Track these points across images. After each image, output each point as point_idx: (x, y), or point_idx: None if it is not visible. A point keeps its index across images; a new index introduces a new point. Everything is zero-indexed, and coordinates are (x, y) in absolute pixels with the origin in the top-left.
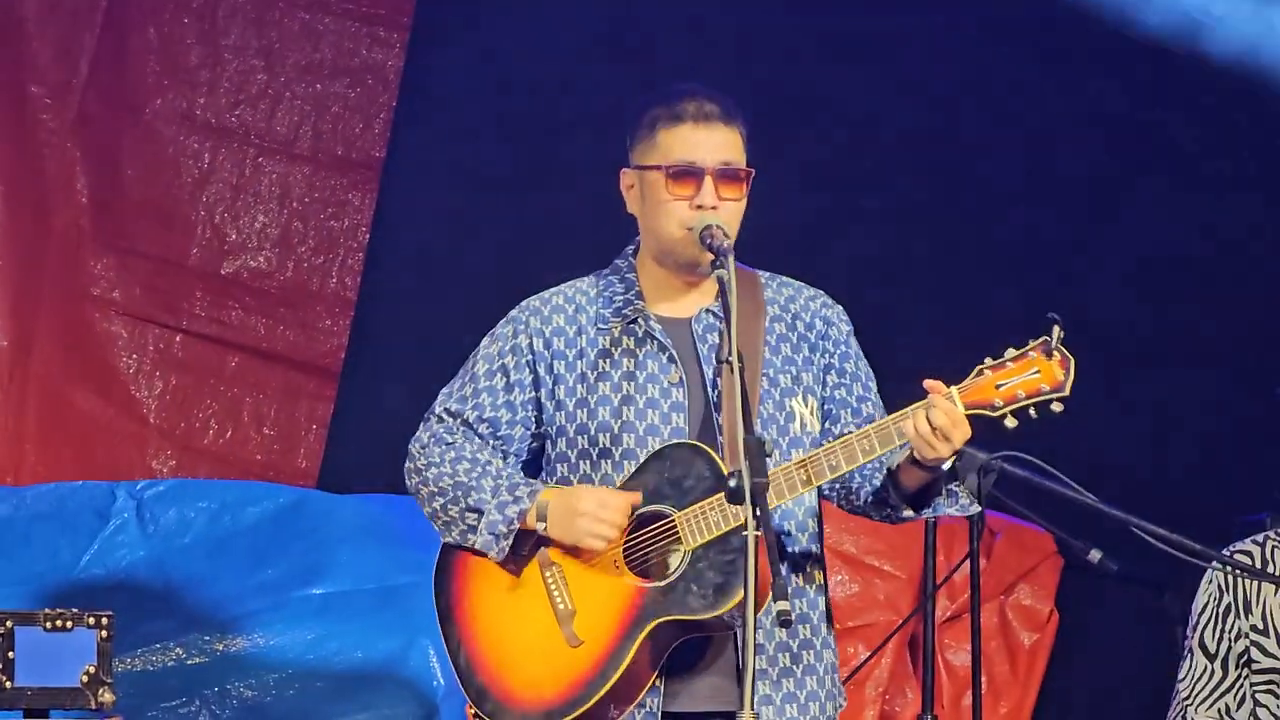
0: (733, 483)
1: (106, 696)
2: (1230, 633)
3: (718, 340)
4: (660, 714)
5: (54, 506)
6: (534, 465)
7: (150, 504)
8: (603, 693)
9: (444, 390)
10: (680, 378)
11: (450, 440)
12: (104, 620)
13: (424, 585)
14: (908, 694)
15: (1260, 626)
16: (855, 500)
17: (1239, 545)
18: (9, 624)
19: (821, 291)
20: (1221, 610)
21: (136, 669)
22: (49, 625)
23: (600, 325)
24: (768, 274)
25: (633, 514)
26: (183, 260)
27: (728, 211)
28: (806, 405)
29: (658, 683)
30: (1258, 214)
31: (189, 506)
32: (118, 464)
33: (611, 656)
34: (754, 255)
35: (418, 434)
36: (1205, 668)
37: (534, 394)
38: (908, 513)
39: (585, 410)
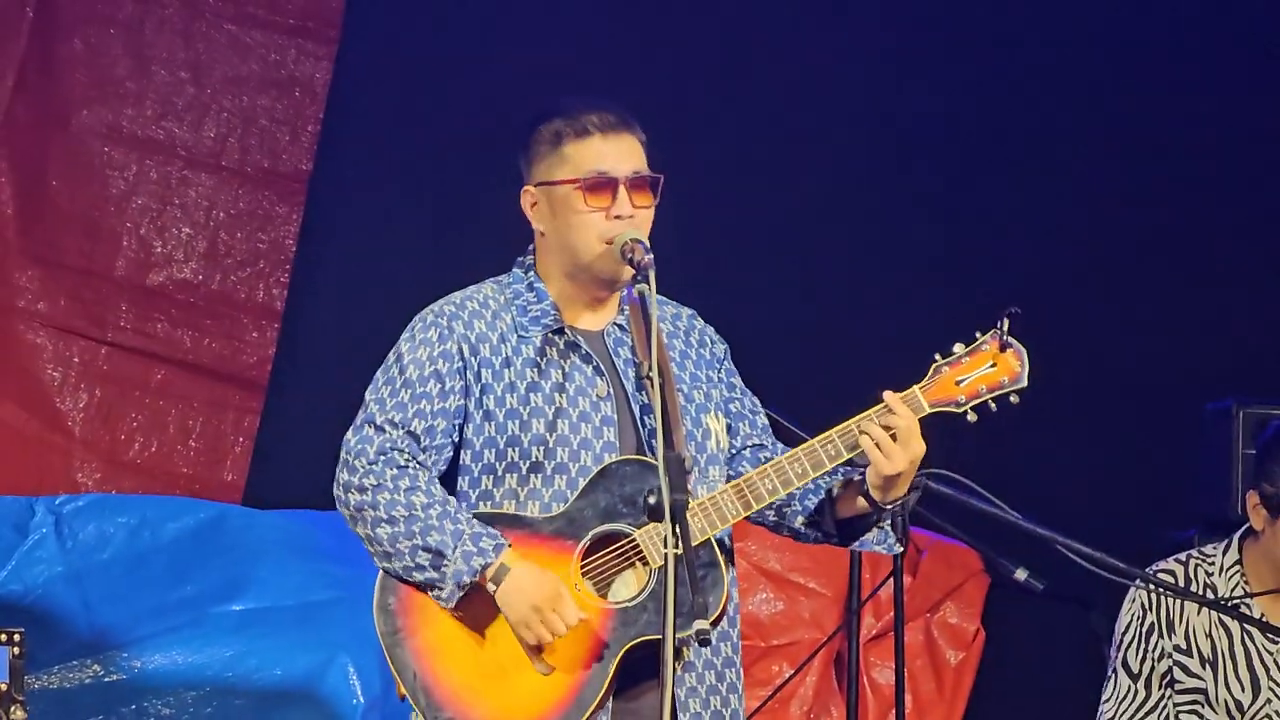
0: (652, 499)
1: (19, 714)
2: (1154, 652)
3: (630, 354)
4: None
5: None
6: (448, 477)
7: (69, 519)
8: (586, 716)
9: (373, 394)
10: (608, 391)
11: (402, 463)
12: (15, 637)
13: (345, 601)
14: (833, 712)
15: (1183, 646)
16: (785, 521)
17: (1162, 564)
18: None
19: (692, 308)
20: (1145, 630)
21: (53, 686)
22: None
23: (521, 334)
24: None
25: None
26: (108, 272)
27: (642, 219)
28: (719, 422)
29: (608, 703)
30: (1189, 224)
31: (108, 522)
32: (42, 477)
33: (588, 682)
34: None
35: (356, 444)
36: (1129, 688)
37: (463, 402)
38: (834, 539)
39: (517, 422)
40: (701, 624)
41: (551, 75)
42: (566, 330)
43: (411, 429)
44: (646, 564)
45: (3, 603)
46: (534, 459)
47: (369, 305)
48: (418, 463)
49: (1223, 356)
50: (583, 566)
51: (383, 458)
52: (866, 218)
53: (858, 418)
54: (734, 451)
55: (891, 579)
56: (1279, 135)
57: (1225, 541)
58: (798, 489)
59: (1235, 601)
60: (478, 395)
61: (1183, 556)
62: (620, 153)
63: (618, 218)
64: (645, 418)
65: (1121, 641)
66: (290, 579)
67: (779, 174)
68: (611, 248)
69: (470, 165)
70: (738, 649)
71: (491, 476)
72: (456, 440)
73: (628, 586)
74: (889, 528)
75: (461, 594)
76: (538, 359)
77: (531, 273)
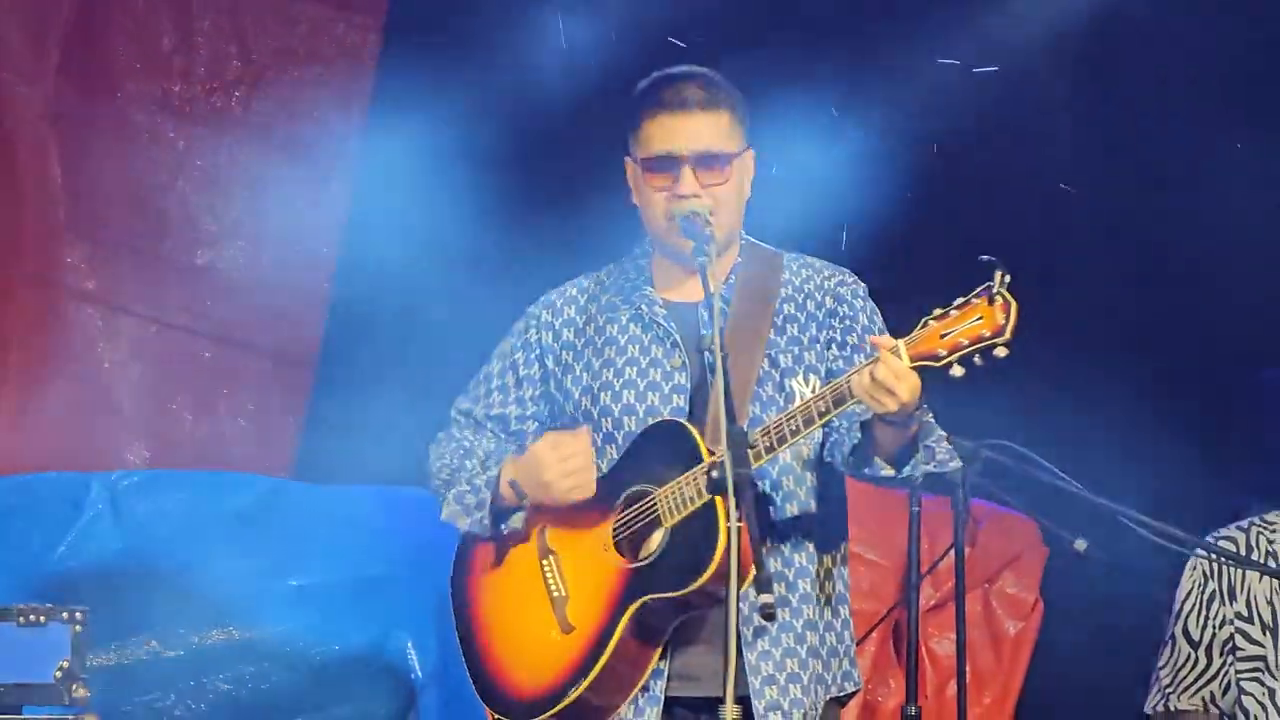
0: (715, 474)
1: (80, 692)
2: (1215, 620)
3: (723, 324)
4: (664, 698)
5: (27, 498)
6: None
7: (125, 495)
8: (592, 676)
9: (465, 389)
10: (683, 362)
11: (456, 435)
12: (78, 615)
13: (402, 577)
14: (891, 684)
15: (1245, 614)
16: (842, 460)
17: (1223, 531)
18: None
19: (843, 269)
20: (1206, 597)
21: (111, 663)
22: (22, 620)
23: (609, 313)
24: (793, 255)
25: (595, 453)
26: (157, 250)
27: (714, 198)
28: (808, 384)
29: (662, 665)
30: (1249, 190)
31: (165, 497)
32: (93, 455)
33: (599, 639)
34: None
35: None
36: (1189, 655)
37: (543, 388)
38: (887, 471)
39: (589, 397)
40: (766, 598)
41: (608, 41)
42: (646, 305)
43: (475, 416)
44: (663, 523)
45: (60, 579)
46: (605, 430)
47: (418, 282)
48: (479, 432)
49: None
50: (615, 525)
51: (445, 437)
52: None
53: (864, 363)
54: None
55: (953, 550)
56: None
57: None
58: (831, 423)
59: None
60: (559, 378)
61: (1244, 524)
62: (689, 131)
63: (680, 197)
64: (711, 379)
65: (1181, 609)
66: (347, 554)
67: None
68: (674, 223)
69: (521, 137)
70: (806, 599)
71: None
72: (548, 426)
73: (650, 544)
74: (933, 444)
75: (480, 514)
76: (617, 336)
77: (644, 247)
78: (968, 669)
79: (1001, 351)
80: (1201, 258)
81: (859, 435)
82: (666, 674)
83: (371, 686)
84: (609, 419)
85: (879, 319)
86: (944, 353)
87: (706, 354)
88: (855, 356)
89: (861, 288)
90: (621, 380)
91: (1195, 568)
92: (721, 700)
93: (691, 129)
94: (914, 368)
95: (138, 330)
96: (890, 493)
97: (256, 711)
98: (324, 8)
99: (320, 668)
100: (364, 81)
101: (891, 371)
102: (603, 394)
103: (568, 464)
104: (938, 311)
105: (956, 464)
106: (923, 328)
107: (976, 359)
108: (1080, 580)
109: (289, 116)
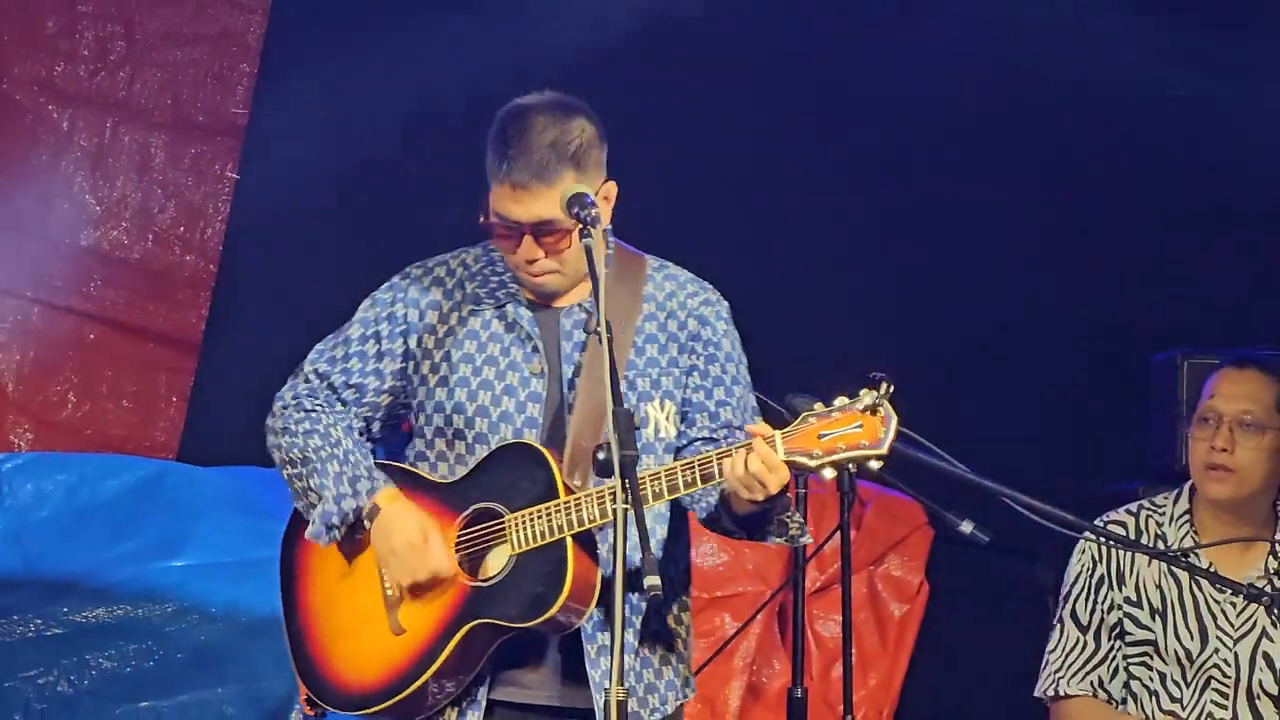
0: (601, 455)
1: None
2: (1103, 604)
3: (583, 337)
4: (486, 702)
5: None
6: (407, 433)
7: (8, 477)
8: (417, 685)
9: (318, 346)
10: (542, 369)
11: (309, 408)
12: None
13: None
14: (776, 665)
15: (1134, 598)
16: (698, 515)
17: (1113, 515)
18: None
19: (707, 286)
20: (1094, 582)
21: None
22: None
23: (474, 305)
24: (657, 262)
25: (455, 550)
26: (41, 231)
27: (558, 259)
28: (663, 410)
29: (486, 671)
30: (1136, 178)
31: (46, 479)
32: None
33: (429, 650)
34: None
35: (283, 391)
36: (1078, 639)
37: (402, 365)
38: (739, 535)
39: (445, 389)
40: (652, 579)
41: (502, 26)
42: (512, 306)
43: (332, 382)
44: (509, 549)
45: None
46: (455, 427)
47: (304, 264)
48: (330, 409)
49: (1168, 308)
50: (459, 538)
51: (295, 402)
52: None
53: (738, 445)
54: (685, 442)
55: (838, 532)
56: (1214, 98)
57: (1176, 491)
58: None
59: (1185, 552)
60: (417, 360)
61: (1133, 507)
62: (525, 205)
63: (528, 261)
64: (572, 398)
65: (1070, 593)
66: (230, 536)
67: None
68: (525, 268)
69: (406, 119)
70: (664, 621)
71: (423, 439)
72: (402, 401)
73: (497, 565)
74: (787, 520)
75: (330, 534)
76: (479, 330)
77: None
78: (853, 651)
79: (875, 464)
80: (1093, 239)
81: (715, 497)
82: (489, 680)
83: (254, 667)
84: (461, 416)
85: (739, 344)
86: (819, 453)
87: (568, 365)
88: (715, 389)
89: (724, 308)
90: (479, 379)
91: (1084, 551)
92: (548, 708)
93: (526, 204)
94: (785, 461)
95: (21, 311)
96: None
97: (141, 687)
98: None
99: (203, 648)
100: (249, 63)
101: (765, 464)
102: (458, 390)
103: (420, 561)
104: (819, 408)
105: (808, 540)
106: (801, 423)
107: (851, 467)
108: (965, 563)
109: (173, 97)
